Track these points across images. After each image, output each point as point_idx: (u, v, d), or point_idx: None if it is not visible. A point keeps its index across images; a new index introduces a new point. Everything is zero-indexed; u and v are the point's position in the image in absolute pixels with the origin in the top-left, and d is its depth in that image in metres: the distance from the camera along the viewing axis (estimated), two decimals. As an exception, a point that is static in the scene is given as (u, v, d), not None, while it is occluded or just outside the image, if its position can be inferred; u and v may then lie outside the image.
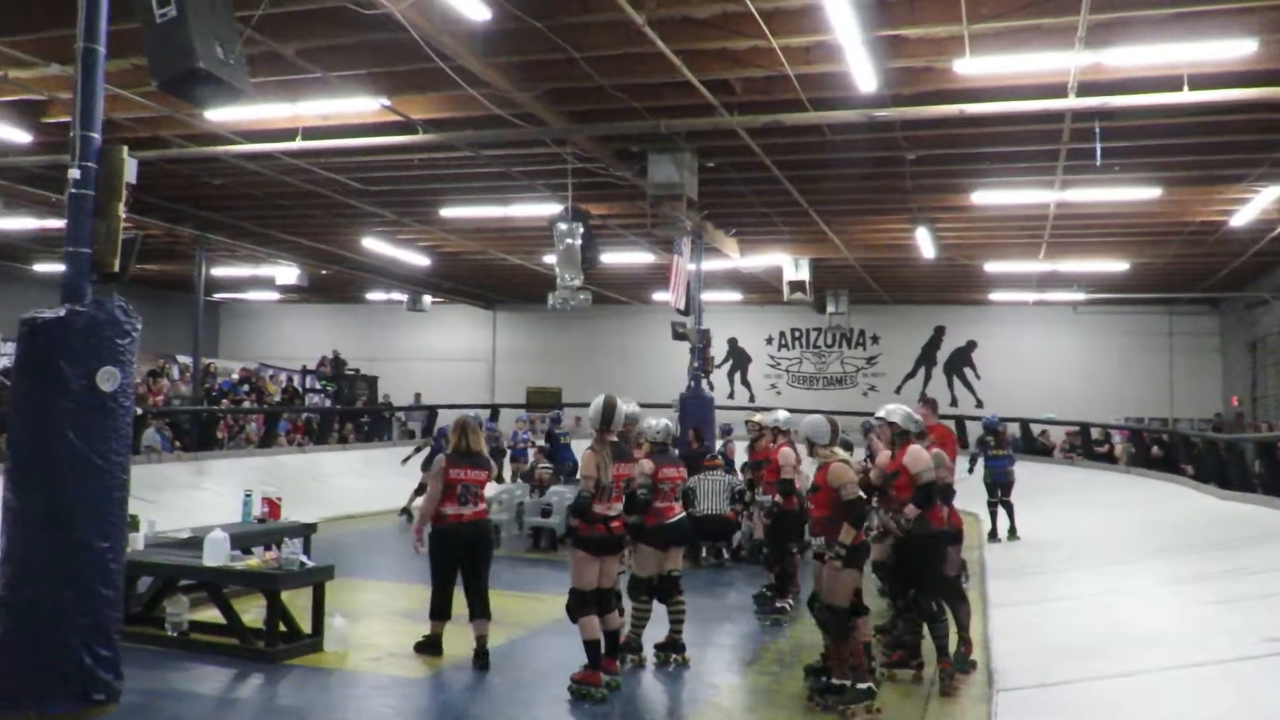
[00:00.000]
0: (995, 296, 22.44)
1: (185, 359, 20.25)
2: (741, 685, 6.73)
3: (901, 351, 24.84)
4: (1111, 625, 7.24)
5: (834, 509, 5.92)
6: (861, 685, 5.83)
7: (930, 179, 13.02)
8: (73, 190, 5.46)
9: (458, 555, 6.86)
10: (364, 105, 10.28)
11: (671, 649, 6.94)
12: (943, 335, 24.64)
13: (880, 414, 6.84)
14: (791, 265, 18.09)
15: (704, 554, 11.15)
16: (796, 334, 25.66)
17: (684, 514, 7.06)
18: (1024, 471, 18.15)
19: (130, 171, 5.63)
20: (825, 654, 6.16)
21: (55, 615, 5.19)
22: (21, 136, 11.43)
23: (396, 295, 24.36)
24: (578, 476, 6.47)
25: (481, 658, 6.69)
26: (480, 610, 6.82)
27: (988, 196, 13.24)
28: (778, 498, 8.47)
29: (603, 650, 6.19)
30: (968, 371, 24.47)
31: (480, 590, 6.85)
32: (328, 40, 8.90)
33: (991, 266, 18.46)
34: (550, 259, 14.43)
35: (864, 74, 8.56)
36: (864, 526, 6.05)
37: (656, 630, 7.04)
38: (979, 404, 23.83)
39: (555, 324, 25.59)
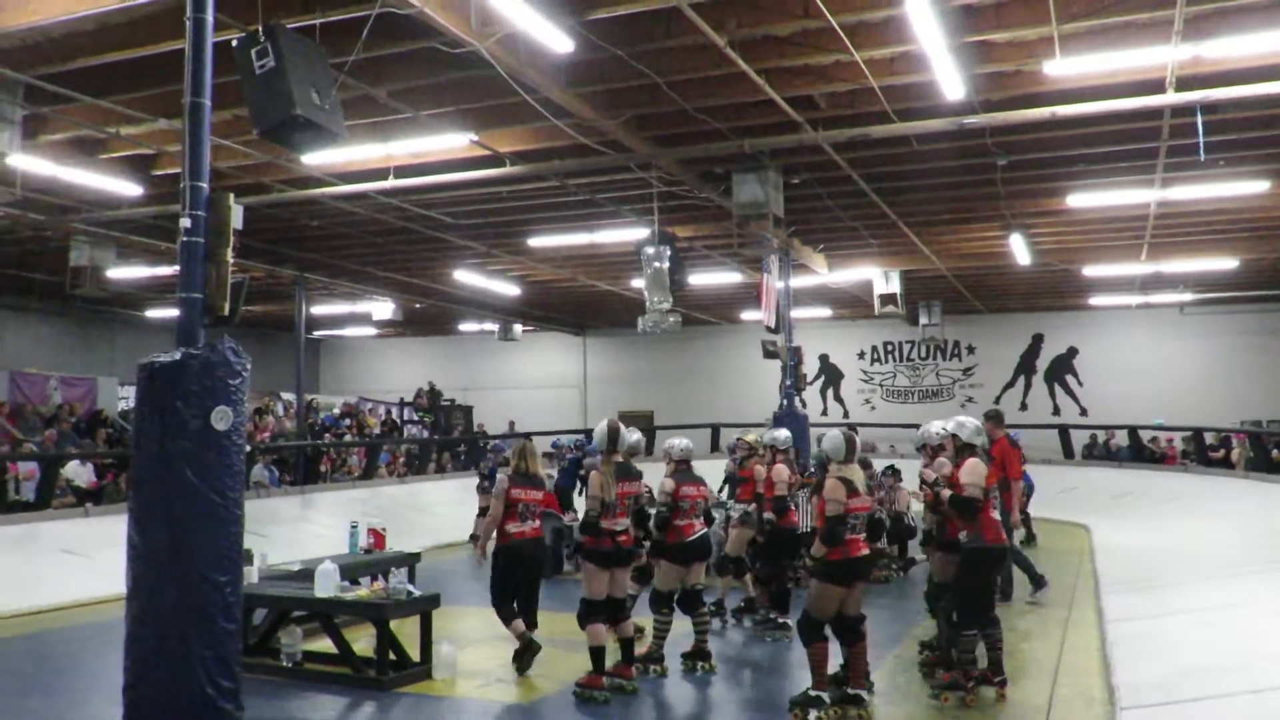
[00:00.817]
0: (1096, 301, 21.75)
1: (289, 396, 20.89)
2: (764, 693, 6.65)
3: (999, 361, 24.24)
4: (1239, 640, 6.91)
5: None
6: (813, 693, 5.98)
7: (1023, 184, 12.72)
8: (184, 238, 5.69)
9: (518, 570, 7.26)
10: (453, 141, 10.51)
11: (698, 657, 7.26)
12: (1041, 343, 23.97)
13: (950, 427, 6.85)
14: (882, 278, 17.83)
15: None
16: (889, 347, 25.25)
17: (705, 531, 7.28)
18: (1136, 480, 17.60)
19: (237, 218, 5.85)
20: (844, 664, 6.25)
21: (180, 648, 5.37)
22: (133, 189, 11.98)
23: (488, 325, 24.78)
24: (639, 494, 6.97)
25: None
26: (531, 623, 7.33)
27: (1084, 199, 12.86)
28: (769, 514, 8.48)
29: (619, 657, 6.71)
30: (1070, 379, 23.74)
31: (532, 603, 7.41)
32: (418, 81, 9.13)
33: (1091, 270, 17.90)
34: (638, 283, 14.50)
35: (951, 82, 8.43)
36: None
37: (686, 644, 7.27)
38: (1083, 412, 23.15)
39: (645, 347, 25.68)
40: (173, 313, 5.78)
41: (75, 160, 11.17)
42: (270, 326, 25.09)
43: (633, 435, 7.13)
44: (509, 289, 20.00)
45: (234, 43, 6.60)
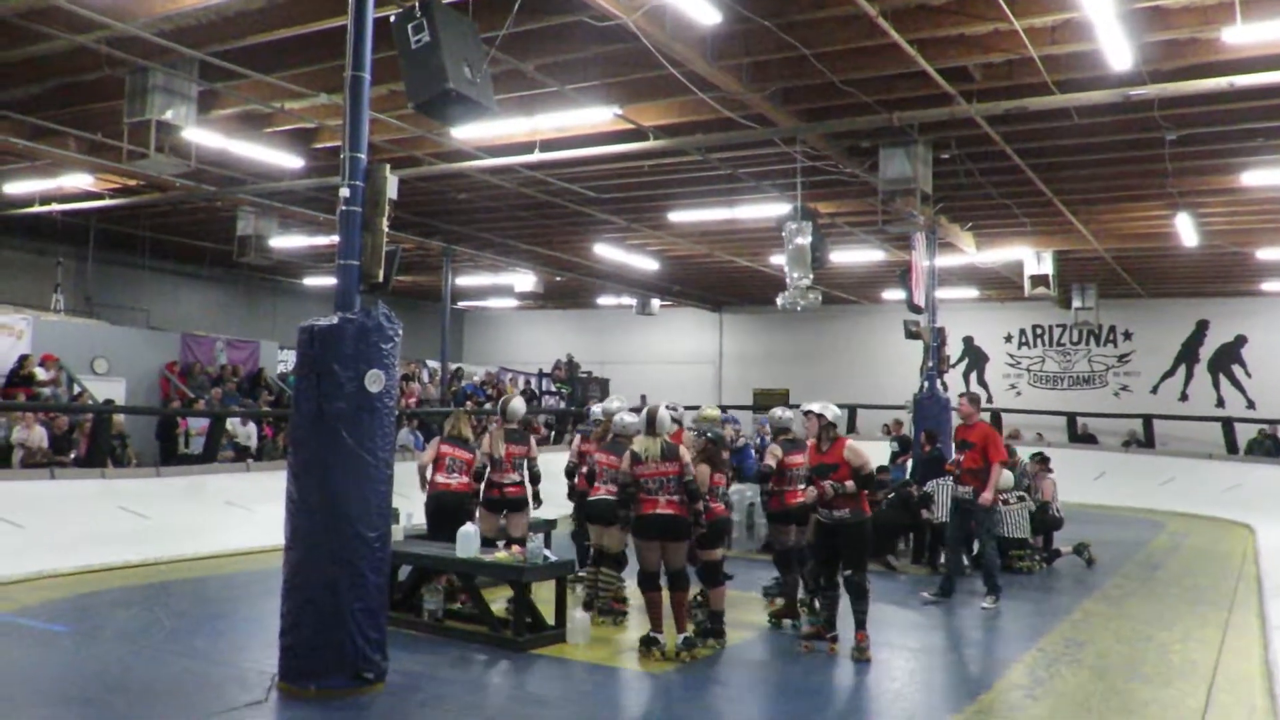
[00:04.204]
0: (1269, 286, 20.41)
1: (434, 364, 21.60)
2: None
3: (1158, 348, 23.01)
4: None
5: None
6: (651, 634, 6.91)
7: (1193, 160, 11.97)
8: (343, 207, 5.95)
9: (444, 517, 8.09)
10: (598, 115, 10.58)
11: (589, 606, 7.85)
12: (1206, 330, 22.61)
13: (816, 408, 7.39)
14: (1033, 258, 17.12)
15: (942, 560, 10.71)
16: (1038, 331, 24.29)
17: (611, 497, 7.70)
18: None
19: (391, 188, 6.08)
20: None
21: (333, 599, 5.65)
22: (295, 162, 12.56)
23: (626, 300, 24.99)
24: (531, 456, 8.37)
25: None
26: None
27: (1261, 176, 12.03)
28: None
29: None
30: (1236, 369, 22.35)
31: None
32: (565, 55, 9.25)
33: (1264, 254, 16.75)
34: (778, 260, 14.34)
35: (1118, 51, 7.99)
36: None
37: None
38: (1250, 404, 21.79)
39: (782, 325, 25.46)
40: (330, 281, 6.06)
41: (243, 134, 11.77)
42: (418, 297, 25.98)
43: (613, 404, 8.59)
44: (648, 264, 20.11)
45: (392, 18, 6.81)
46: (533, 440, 8.54)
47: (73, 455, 12.38)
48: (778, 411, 8.25)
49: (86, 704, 5.72)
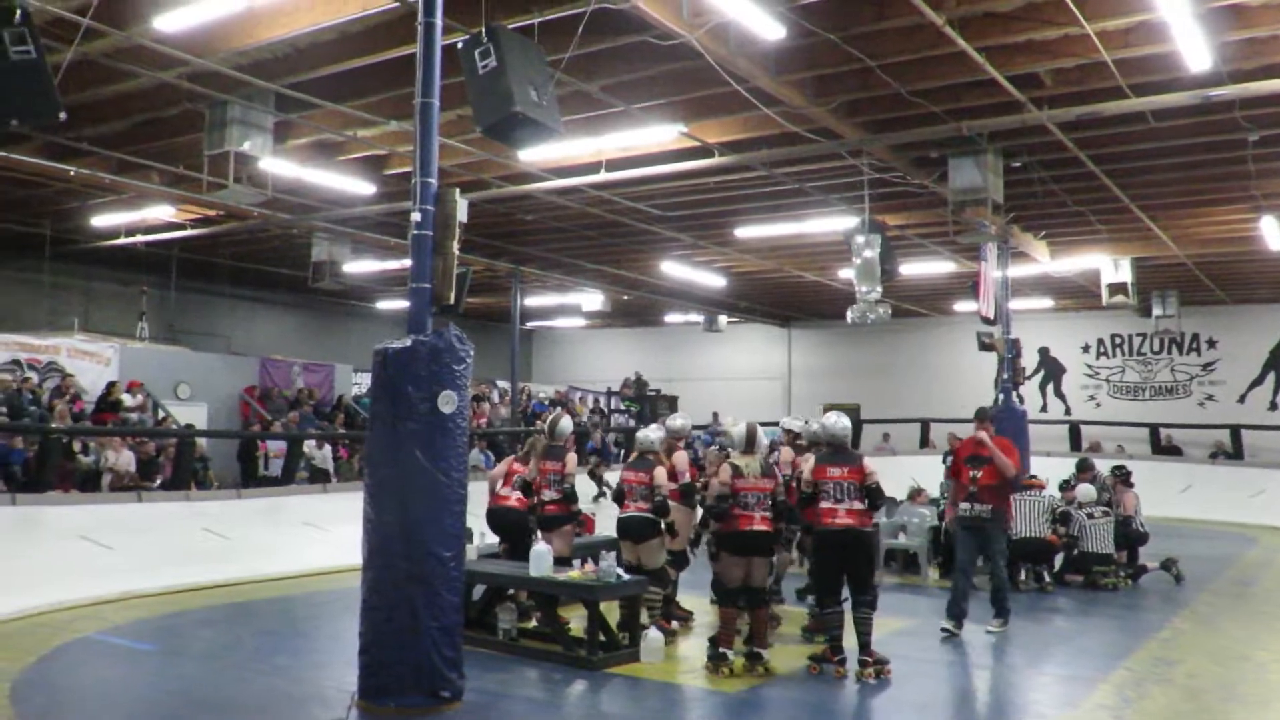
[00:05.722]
0: (1361, 290, 19.63)
1: (504, 384, 21.80)
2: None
3: (1244, 356, 22.24)
4: None
5: None
6: (721, 649, 6.90)
7: (1277, 161, 11.58)
8: (414, 231, 6.05)
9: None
10: (663, 134, 10.61)
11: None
12: (1295, 336, 21.86)
13: (796, 426, 8.33)
14: (1111, 266, 16.71)
15: (1022, 576, 10.48)
16: (1117, 340, 23.66)
17: (637, 513, 7.82)
18: None
19: (462, 211, 6.17)
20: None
21: (411, 618, 5.72)
22: (367, 188, 12.83)
23: (694, 316, 24.98)
24: (565, 473, 8.18)
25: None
26: None
27: (1352, 176, 11.61)
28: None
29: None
30: (1328, 377, 21.54)
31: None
32: (629, 74, 9.29)
33: (1357, 256, 16.13)
34: (846, 274, 14.21)
35: (1196, 52, 7.78)
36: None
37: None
38: (1343, 413, 20.96)
39: (852, 339, 25.18)
40: (401, 305, 6.16)
41: (317, 162, 12.07)
42: (487, 318, 26.30)
43: (666, 429, 8.56)
44: (715, 280, 20.08)
45: (459, 45, 6.93)
46: (569, 457, 8.32)
47: (158, 479, 12.74)
48: (786, 420, 8.16)
49: (174, 721, 5.87)
